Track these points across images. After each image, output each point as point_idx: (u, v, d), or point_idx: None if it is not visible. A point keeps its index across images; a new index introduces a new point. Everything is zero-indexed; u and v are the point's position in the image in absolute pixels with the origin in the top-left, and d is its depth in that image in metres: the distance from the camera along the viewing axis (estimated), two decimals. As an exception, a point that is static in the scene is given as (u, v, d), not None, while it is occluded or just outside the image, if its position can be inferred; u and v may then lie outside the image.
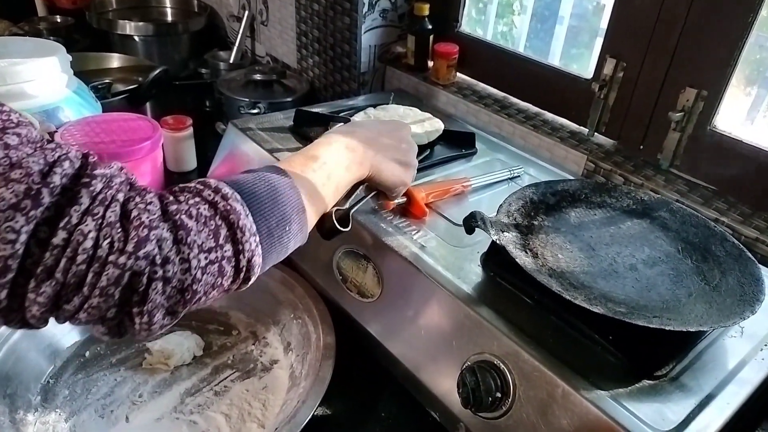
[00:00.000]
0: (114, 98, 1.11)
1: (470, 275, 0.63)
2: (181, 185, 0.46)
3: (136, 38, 1.42)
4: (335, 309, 0.71)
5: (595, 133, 0.92)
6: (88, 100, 0.95)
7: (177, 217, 0.41)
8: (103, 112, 0.99)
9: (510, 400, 0.53)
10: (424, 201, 0.73)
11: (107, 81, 1.09)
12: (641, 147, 0.87)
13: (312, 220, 0.54)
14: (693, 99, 0.79)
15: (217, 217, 0.43)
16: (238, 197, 0.45)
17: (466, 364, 0.56)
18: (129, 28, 1.41)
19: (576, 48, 1.02)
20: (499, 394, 0.53)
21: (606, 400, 0.49)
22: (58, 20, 1.51)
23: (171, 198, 0.43)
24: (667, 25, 0.79)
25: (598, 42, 0.91)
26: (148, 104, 1.21)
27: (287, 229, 0.49)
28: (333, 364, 0.63)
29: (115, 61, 1.32)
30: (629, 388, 0.50)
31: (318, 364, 0.63)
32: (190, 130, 1.06)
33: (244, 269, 0.45)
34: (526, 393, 0.52)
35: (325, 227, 0.59)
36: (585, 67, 0.96)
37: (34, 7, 1.58)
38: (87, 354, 0.69)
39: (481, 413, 0.54)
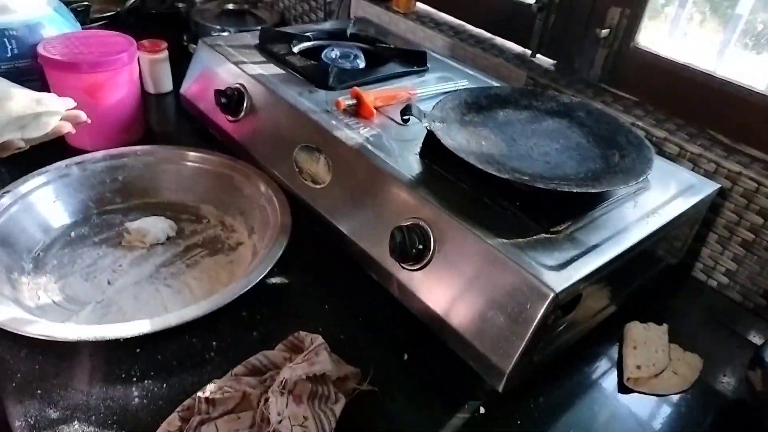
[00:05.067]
0: (93, 24, 1.17)
1: (408, 163, 0.72)
2: None
3: (115, -29, 1.47)
4: (293, 198, 0.80)
5: (538, 55, 1.01)
6: (68, 19, 1.01)
7: None
8: (83, 33, 1.05)
9: (431, 252, 0.63)
10: (372, 104, 0.81)
11: (86, 3, 1.15)
12: (575, 65, 0.96)
13: None
14: (617, 17, 0.88)
15: None
16: None
17: (397, 225, 0.66)
18: (107, -40, 1.45)
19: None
20: (421, 246, 0.63)
21: (506, 245, 0.59)
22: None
23: None
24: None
25: (542, -31, 0.98)
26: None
27: None
28: (287, 239, 0.73)
29: (93, -8, 1.37)
30: (527, 239, 0.61)
31: (275, 237, 0.73)
32: (166, 53, 1.13)
33: None
34: (444, 246, 0.63)
35: None
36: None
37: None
38: (72, 234, 0.78)
39: (406, 264, 0.65)
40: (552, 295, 0.55)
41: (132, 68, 0.94)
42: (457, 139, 0.71)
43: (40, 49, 0.88)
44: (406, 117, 0.71)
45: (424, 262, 0.63)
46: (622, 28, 0.88)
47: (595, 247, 0.61)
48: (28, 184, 0.76)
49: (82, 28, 1.08)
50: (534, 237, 0.61)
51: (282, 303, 0.72)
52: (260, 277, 0.67)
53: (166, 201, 0.86)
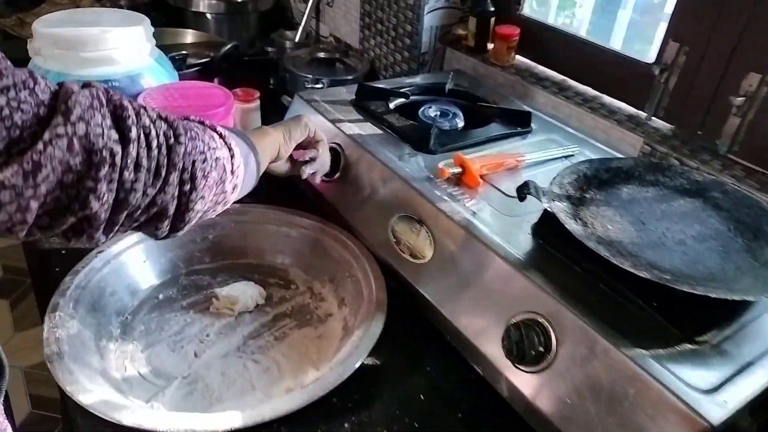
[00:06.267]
0: (189, 70, 1.18)
1: (520, 242, 0.66)
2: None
3: (209, 16, 1.50)
4: (387, 269, 0.75)
5: (653, 117, 0.93)
6: (167, 68, 1.02)
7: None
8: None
9: (552, 355, 0.56)
10: (478, 172, 0.76)
11: (184, 52, 1.16)
12: (699, 132, 0.87)
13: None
14: (756, 84, 0.78)
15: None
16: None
17: (512, 321, 0.59)
18: (202, 5, 1.48)
19: (638, 32, 1.02)
20: (541, 349, 0.55)
21: (645, 358, 0.51)
22: (138, -3, 1.61)
23: None
24: (734, 8, 0.79)
25: (662, 27, 0.91)
26: (217, 78, 1.28)
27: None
28: (384, 318, 0.67)
29: (189, 36, 1.40)
30: (669, 350, 0.52)
31: (370, 317, 0.67)
32: (258, 102, 1.12)
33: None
34: (567, 349, 0.55)
35: None
36: (646, 51, 0.96)
37: (115, -15, 1.68)
38: (161, 296, 0.76)
39: (522, 366, 0.57)
40: (708, 427, 0.46)
41: (228, 122, 0.93)
42: (579, 220, 0.63)
43: (141, 101, 0.88)
44: (523, 195, 0.65)
45: (544, 365, 0.56)
46: (760, 97, 0.79)
47: (750, 364, 0.52)
48: (119, 243, 0.74)
49: (179, 75, 1.08)
50: (677, 347, 0.53)
51: (374, 390, 0.66)
52: (357, 364, 0.62)
53: (255, 263, 0.83)
